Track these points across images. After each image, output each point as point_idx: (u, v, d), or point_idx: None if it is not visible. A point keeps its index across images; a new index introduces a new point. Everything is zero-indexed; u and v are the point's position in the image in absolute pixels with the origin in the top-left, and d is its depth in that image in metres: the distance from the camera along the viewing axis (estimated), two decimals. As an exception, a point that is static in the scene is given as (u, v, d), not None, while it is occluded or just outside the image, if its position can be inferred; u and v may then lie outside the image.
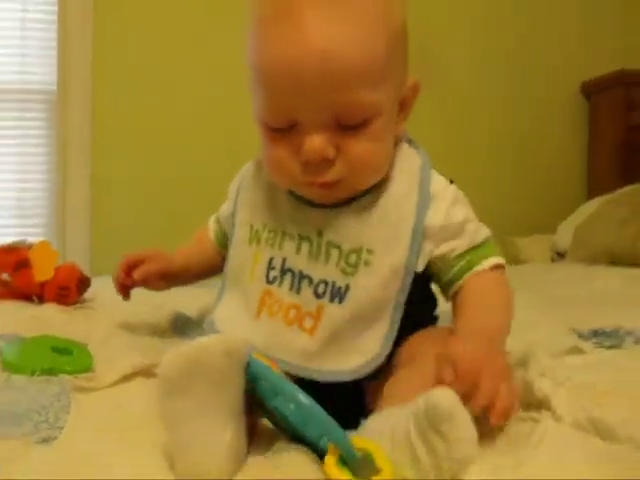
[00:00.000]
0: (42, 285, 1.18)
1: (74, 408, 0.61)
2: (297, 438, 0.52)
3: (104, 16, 2.33)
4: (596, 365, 0.77)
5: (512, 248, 2.27)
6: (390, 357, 0.67)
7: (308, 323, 0.67)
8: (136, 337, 0.92)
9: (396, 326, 0.66)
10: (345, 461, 0.47)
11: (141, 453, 0.51)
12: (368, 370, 0.65)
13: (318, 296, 0.67)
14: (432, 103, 2.50)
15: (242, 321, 0.72)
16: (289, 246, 0.70)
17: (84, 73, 2.33)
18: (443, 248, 0.69)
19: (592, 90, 2.60)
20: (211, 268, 0.93)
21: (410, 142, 0.74)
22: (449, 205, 0.69)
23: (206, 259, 0.93)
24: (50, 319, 1.01)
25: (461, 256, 0.69)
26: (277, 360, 0.64)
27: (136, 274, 0.88)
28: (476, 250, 0.70)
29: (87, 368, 0.73)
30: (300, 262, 0.69)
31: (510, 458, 0.49)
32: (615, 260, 1.87)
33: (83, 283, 1.22)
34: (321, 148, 0.62)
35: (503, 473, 0.47)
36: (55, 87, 2.34)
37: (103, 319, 1.01)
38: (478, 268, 0.69)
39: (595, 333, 0.98)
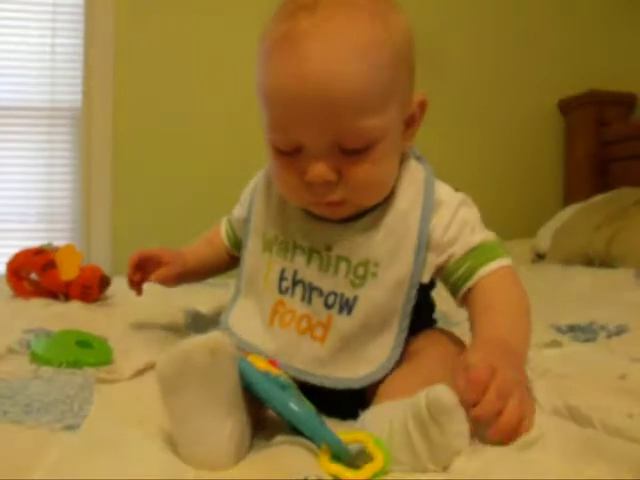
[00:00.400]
0: (67, 284, 1.17)
1: (97, 399, 0.61)
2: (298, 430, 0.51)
3: (125, 42, 2.34)
4: (573, 357, 0.77)
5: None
6: None
7: (319, 332, 0.64)
8: (151, 332, 0.91)
9: (403, 335, 0.63)
10: (338, 457, 0.46)
11: (156, 443, 0.51)
12: (376, 378, 0.62)
13: (328, 307, 0.64)
14: (426, 119, 2.51)
15: (256, 326, 0.69)
16: (300, 259, 0.67)
17: (106, 93, 2.34)
18: (444, 256, 0.65)
19: (567, 107, 2.60)
20: (220, 267, 0.92)
21: (418, 158, 0.70)
22: (453, 212, 0.65)
23: (217, 259, 0.90)
24: (74, 315, 1.00)
25: (461, 261, 0.65)
26: (289, 367, 0.63)
27: (154, 277, 0.84)
28: (474, 253, 0.65)
29: (108, 361, 0.73)
30: (310, 274, 0.66)
31: (494, 446, 0.48)
32: (589, 261, 1.87)
33: (104, 282, 1.22)
34: (324, 174, 0.60)
35: (481, 461, 0.46)
36: (80, 105, 2.35)
37: (122, 315, 1.01)
38: (482, 273, 0.64)
39: (571, 328, 0.98)
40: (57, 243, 1.33)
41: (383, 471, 0.45)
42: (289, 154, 0.62)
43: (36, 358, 0.71)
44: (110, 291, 1.24)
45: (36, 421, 0.53)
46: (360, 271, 0.64)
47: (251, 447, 0.50)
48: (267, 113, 0.63)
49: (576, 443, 0.48)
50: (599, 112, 2.47)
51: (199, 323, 0.99)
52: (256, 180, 0.79)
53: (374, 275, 0.63)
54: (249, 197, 0.78)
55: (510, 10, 2.59)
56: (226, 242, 0.89)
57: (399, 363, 0.63)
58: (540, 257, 2.21)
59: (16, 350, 0.75)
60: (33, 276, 1.21)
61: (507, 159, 2.59)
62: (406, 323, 0.63)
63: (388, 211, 0.65)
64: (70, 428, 0.53)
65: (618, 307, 1.11)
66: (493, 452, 0.46)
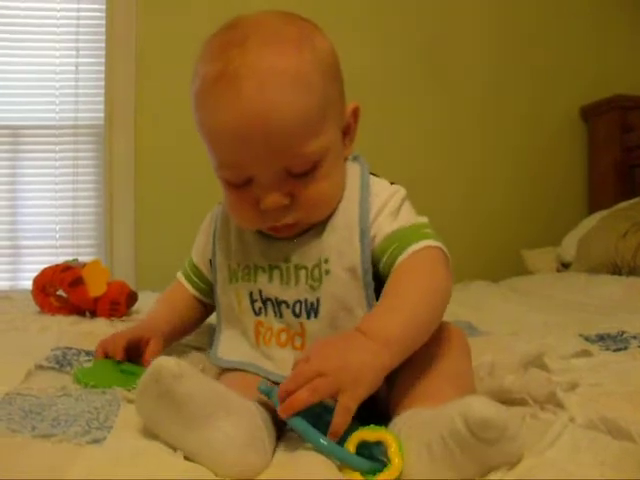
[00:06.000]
0: (95, 300, 1.18)
1: (122, 411, 0.61)
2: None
3: (146, 60, 2.37)
4: (605, 367, 0.75)
5: (521, 259, 2.25)
6: None
7: (298, 342, 0.68)
8: (175, 347, 0.91)
9: None
10: None
11: (180, 455, 0.51)
12: None
13: (297, 316, 0.67)
14: (449, 128, 2.50)
15: (246, 350, 0.71)
16: (262, 277, 0.70)
17: (128, 111, 2.37)
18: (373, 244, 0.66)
19: (590, 114, 2.57)
20: (196, 321, 0.90)
21: (355, 158, 0.73)
22: (384, 202, 0.67)
23: (188, 317, 0.88)
24: (101, 333, 1.00)
25: (379, 251, 0.65)
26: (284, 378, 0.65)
27: (149, 357, 0.75)
28: (388, 242, 0.65)
29: None
30: (273, 290, 0.69)
31: (526, 459, 0.47)
32: (616, 270, 1.84)
33: (132, 298, 1.22)
34: (278, 201, 0.63)
35: (518, 473, 0.45)
36: (103, 123, 2.39)
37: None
38: (398, 261, 0.63)
39: (601, 337, 0.96)
40: (82, 259, 1.34)
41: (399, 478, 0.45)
42: (241, 186, 0.65)
43: (79, 383, 0.71)
44: (136, 307, 1.25)
45: (63, 434, 0.53)
46: (316, 273, 0.66)
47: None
48: (214, 152, 0.66)
49: (614, 456, 0.46)
50: (623, 117, 2.43)
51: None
52: (214, 215, 0.81)
53: (327, 272, 0.66)
54: (212, 234, 0.79)
55: (530, 15, 2.58)
56: (197, 294, 0.87)
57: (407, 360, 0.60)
58: (565, 266, 2.17)
59: (45, 367, 0.76)
60: (61, 293, 1.21)
61: (529, 168, 2.56)
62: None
63: (333, 211, 0.68)
64: (96, 442, 0.53)
65: (649, 316, 1.09)
66: (530, 463, 0.45)
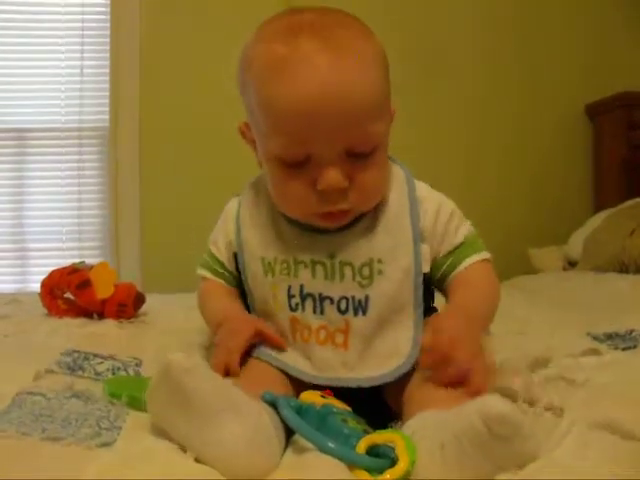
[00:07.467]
0: (102, 302, 1.19)
1: (133, 411, 0.61)
2: None
3: (150, 62, 2.39)
4: (613, 366, 0.75)
5: (526, 258, 2.25)
6: None
7: (339, 339, 0.67)
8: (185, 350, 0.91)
9: (420, 322, 0.67)
10: None
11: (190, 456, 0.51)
12: (405, 370, 0.64)
13: (342, 312, 0.67)
14: (448, 127, 2.50)
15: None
16: (304, 272, 0.69)
17: (133, 113, 2.38)
18: (434, 250, 0.71)
19: (596, 112, 2.56)
20: None
21: (393, 160, 0.75)
22: (436, 208, 0.71)
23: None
24: (110, 335, 1.01)
25: (446, 257, 0.71)
26: (323, 379, 0.65)
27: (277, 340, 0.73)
28: (459, 249, 0.71)
29: None
30: (317, 285, 0.68)
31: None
32: (623, 269, 1.83)
33: (139, 300, 1.23)
34: (338, 180, 0.63)
35: (525, 473, 0.45)
36: (108, 125, 2.40)
37: (158, 333, 1.00)
38: (462, 266, 0.70)
39: (609, 336, 0.95)
40: (88, 261, 1.34)
41: (407, 474, 0.45)
42: (296, 166, 0.64)
43: (111, 395, 0.67)
44: (144, 308, 1.25)
45: (72, 436, 0.53)
46: (365, 271, 0.67)
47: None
48: (279, 128, 0.64)
49: (621, 454, 0.46)
50: (629, 115, 2.42)
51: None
52: (233, 210, 0.78)
53: (380, 272, 0.67)
54: (233, 229, 0.77)
55: (534, 13, 2.57)
56: (234, 288, 0.82)
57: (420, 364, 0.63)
58: (571, 265, 2.17)
59: (55, 371, 0.76)
60: (68, 295, 1.22)
61: (535, 167, 2.56)
62: (421, 310, 0.68)
63: (381, 211, 0.70)
64: (105, 445, 0.53)
65: (658, 315, 1.08)
66: (537, 465, 0.45)
